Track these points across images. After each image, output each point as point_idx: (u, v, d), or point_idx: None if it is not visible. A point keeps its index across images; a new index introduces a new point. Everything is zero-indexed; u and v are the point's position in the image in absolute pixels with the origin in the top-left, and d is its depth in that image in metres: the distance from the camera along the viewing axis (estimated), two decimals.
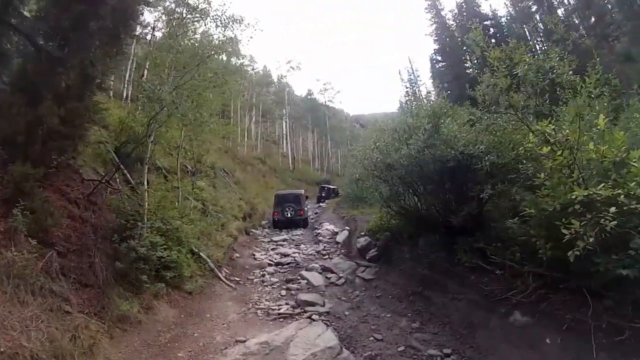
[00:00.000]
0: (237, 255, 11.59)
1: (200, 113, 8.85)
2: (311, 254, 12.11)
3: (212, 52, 8.01)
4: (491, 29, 37.20)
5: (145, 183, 7.32)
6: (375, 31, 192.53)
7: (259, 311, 7.25)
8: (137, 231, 6.54)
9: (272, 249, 13.35)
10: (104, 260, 6.43)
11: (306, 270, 10.22)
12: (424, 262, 8.46)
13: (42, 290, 5.41)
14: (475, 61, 6.88)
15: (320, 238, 13.82)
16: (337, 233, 14.09)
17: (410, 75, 53.40)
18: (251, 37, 22.79)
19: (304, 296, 7.82)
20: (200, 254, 9.07)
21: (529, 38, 36.14)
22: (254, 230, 16.43)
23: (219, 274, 9.00)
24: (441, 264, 7.91)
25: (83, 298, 5.92)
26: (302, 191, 20.30)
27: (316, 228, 16.96)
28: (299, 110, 51.75)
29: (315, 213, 22.96)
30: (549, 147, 4.44)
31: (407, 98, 52.55)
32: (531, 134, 5.44)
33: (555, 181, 4.73)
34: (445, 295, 7.04)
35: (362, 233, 12.25)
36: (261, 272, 10.41)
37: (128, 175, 10.37)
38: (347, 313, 7.22)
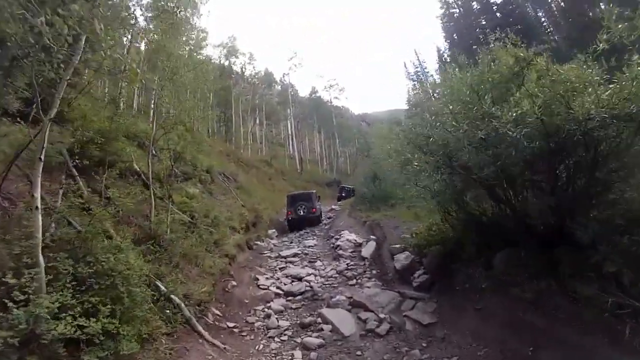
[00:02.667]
0: (234, 283, 8.30)
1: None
2: (331, 276, 8.78)
3: None
4: (498, 14, 33.92)
5: (39, 196, 4.00)
6: (377, 30, 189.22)
7: None
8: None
9: (281, 269, 10.07)
10: None
11: (328, 306, 6.94)
12: (517, 295, 5.16)
13: None
14: None
15: (341, 252, 10.47)
16: (360, 244, 10.74)
17: (417, 67, 49.92)
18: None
19: None
20: (172, 297, 5.80)
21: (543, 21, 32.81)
22: (258, 242, 13.16)
23: (199, 328, 5.70)
24: (553, 300, 4.63)
25: None
26: (314, 191, 19.63)
27: (332, 236, 13.64)
28: (304, 110, 48.46)
29: (329, 218, 19.64)
30: None
31: (414, 92, 49.45)
32: None
33: None
34: None
35: (398, 245, 8.90)
36: (265, 311, 7.12)
37: (81, 184, 7.31)
38: None
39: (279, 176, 33.67)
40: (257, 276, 9.23)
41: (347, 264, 9.36)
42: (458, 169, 5.03)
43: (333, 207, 24.01)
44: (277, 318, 6.76)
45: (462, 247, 6.74)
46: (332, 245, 12.18)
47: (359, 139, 55.66)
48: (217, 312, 6.86)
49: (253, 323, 6.68)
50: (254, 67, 43.34)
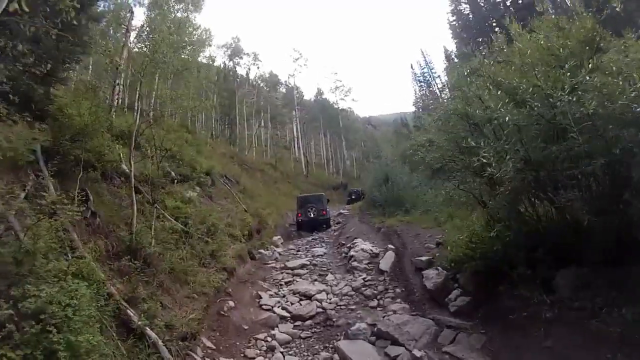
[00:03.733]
0: (231, 303, 6.93)
1: None
2: (347, 295, 7.39)
3: None
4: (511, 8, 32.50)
5: None
6: (382, 33, 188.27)
7: None
8: None
9: (287, 283, 8.71)
10: None
11: (346, 337, 5.54)
12: (599, 331, 3.82)
13: None
14: None
15: (355, 264, 9.07)
16: (377, 255, 9.32)
17: (424, 68, 48.20)
18: None
19: None
20: (146, 331, 4.45)
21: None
22: (262, 251, 11.81)
23: None
24: None
25: None
26: (323, 193, 19.35)
27: (343, 244, 12.26)
28: (310, 112, 47.16)
29: (338, 223, 18.24)
30: None
31: (421, 92, 47.87)
32: None
33: None
34: None
35: (423, 258, 7.51)
36: (268, 341, 5.75)
37: (51, 186, 6.05)
38: None
39: (285, 179, 32.32)
40: (259, 293, 7.87)
41: (363, 279, 7.96)
42: (543, 161, 3.60)
43: (341, 211, 22.59)
44: (282, 352, 5.39)
45: (511, 264, 5.35)
46: (344, 254, 10.81)
47: (365, 141, 54.30)
48: (209, 343, 5.50)
49: (253, 358, 5.32)
50: (258, 68, 42.29)
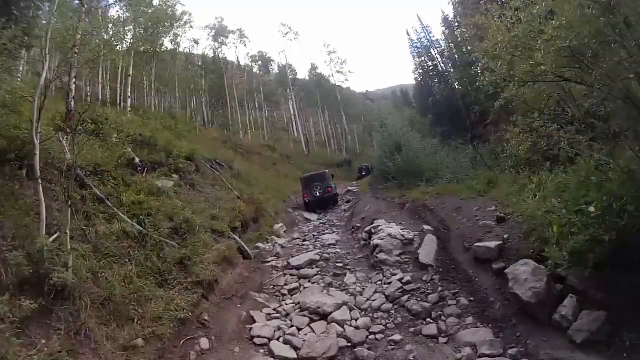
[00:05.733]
0: (205, 342, 4.40)
1: None
2: (381, 310, 4.81)
3: None
4: None
5: None
6: (374, 7, 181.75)
7: None
8: None
9: (291, 292, 6.21)
10: None
11: None
12: None
13: None
14: None
15: (382, 256, 6.45)
16: (411, 241, 6.69)
17: (420, 34, 44.45)
18: None
19: None
20: None
21: None
22: (260, 244, 9.26)
23: None
24: None
25: None
26: (327, 170, 17.84)
27: (358, 227, 9.72)
28: (305, 89, 43.96)
29: (348, 202, 15.77)
30: None
31: (420, 59, 44.40)
32: None
33: None
34: None
35: (491, 244, 4.90)
36: None
37: None
38: None
39: (285, 161, 29.68)
40: (251, 314, 5.33)
41: (400, 281, 5.35)
42: None
43: (349, 188, 20.06)
44: None
45: None
46: (362, 241, 8.27)
47: (365, 115, 51.07)
48: None
49: None
50: (245, 46, 39.23)
